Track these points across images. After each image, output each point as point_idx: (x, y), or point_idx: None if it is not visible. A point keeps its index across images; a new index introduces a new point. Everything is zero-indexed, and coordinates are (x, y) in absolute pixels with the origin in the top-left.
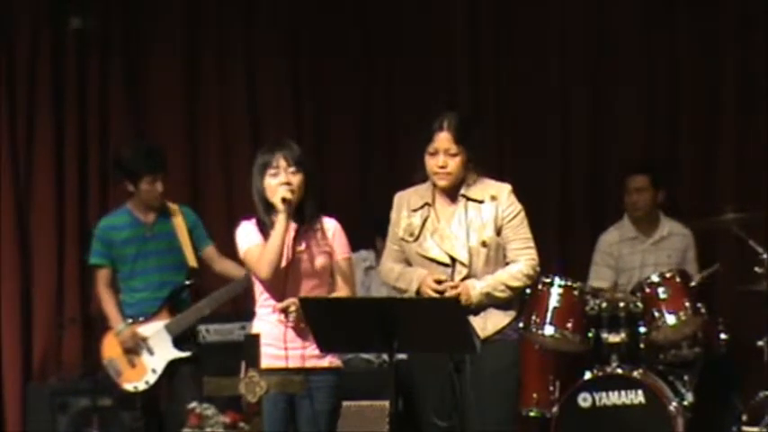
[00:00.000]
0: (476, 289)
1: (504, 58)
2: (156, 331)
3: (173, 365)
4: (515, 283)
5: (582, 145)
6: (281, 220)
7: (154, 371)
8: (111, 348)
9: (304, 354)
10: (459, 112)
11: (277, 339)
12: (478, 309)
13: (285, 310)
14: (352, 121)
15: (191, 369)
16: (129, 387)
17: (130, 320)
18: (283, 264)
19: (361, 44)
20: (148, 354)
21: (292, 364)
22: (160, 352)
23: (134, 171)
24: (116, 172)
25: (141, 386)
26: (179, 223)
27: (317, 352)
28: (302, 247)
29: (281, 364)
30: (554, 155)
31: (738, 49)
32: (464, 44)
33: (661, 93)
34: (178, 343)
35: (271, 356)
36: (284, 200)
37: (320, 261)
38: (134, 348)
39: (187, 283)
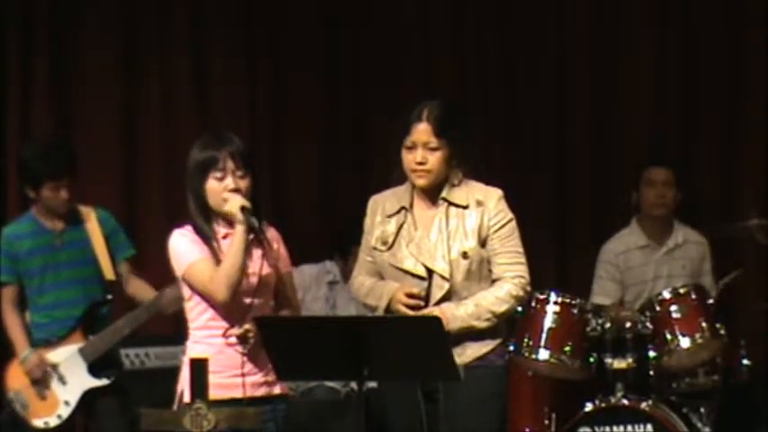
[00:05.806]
0: (456, 316)
1: (492, 54)
2: (68, 356)
3: (91, 396)
4: (502, 308)
5: (582, 146)
6: (239, 232)
7: (67, 403)
8: (16, 379)
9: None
10: (441, 102)
11: (226, 367)
12: (455, 339)
13: (244, 337)
14: (314, 118)
15: (116, 401)
16: (38, 423)
17: (38, 345)
18: None
19: (325, 33)
20: (60, 383)
21: (237, 394)
22: (74, 381)
23: (33, 175)
24: (18, 175)
25: (53, 422)
26: (93, 229)
27: (257, 378)
28: (250, 260)
29: (226, 394)
30: (549, 157)
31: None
32: (447, 38)
33: (671, 89)
34: (95, 369)
35: (215, 386)
36: (244, 209)
37: (267, 276)
38: (43, 378)
39: (105, 298)
